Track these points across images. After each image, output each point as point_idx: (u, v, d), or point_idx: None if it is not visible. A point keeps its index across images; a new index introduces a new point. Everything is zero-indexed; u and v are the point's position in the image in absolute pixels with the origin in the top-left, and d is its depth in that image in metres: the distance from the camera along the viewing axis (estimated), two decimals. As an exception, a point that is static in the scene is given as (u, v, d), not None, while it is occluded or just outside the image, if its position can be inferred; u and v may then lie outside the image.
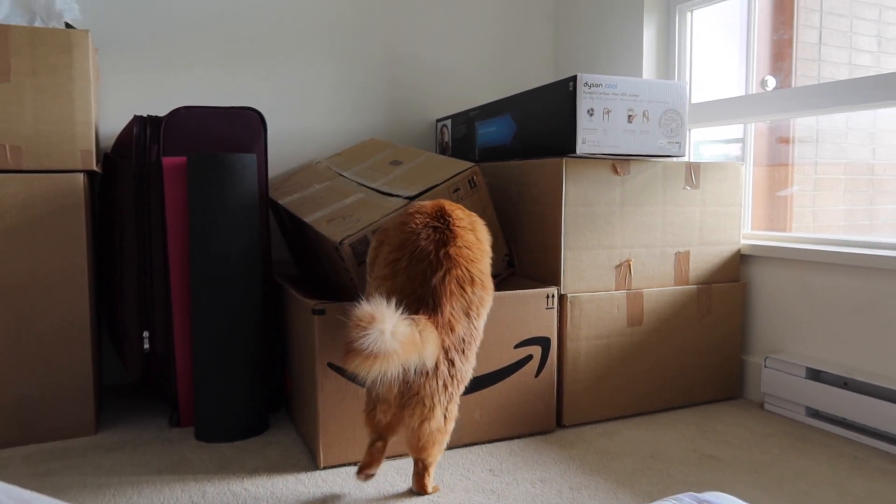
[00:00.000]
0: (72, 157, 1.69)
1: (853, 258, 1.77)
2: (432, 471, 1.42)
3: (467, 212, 1.50)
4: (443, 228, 1.39)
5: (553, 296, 1.75)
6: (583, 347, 1.81)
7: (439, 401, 1.32)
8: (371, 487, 1.45)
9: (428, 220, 1.41)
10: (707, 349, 2.00)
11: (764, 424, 1.84)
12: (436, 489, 1.44)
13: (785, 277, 1.99)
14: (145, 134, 1.80)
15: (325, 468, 1.54)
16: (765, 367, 1.95)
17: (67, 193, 1.70)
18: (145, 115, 1.94)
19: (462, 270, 1.36)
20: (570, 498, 1.41)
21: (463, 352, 1.35)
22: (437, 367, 1.30)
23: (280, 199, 2.05)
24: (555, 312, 1.76)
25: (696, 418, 1.89)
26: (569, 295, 1.79)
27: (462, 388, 1.38)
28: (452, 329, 1.33)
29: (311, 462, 1.58)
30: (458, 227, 1.41)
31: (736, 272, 2.05)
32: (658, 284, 1.92)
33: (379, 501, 1.39)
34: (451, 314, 1.34)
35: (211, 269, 1.68)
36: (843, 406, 1.75)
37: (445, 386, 1.33)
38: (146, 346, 1.82)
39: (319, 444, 1.53)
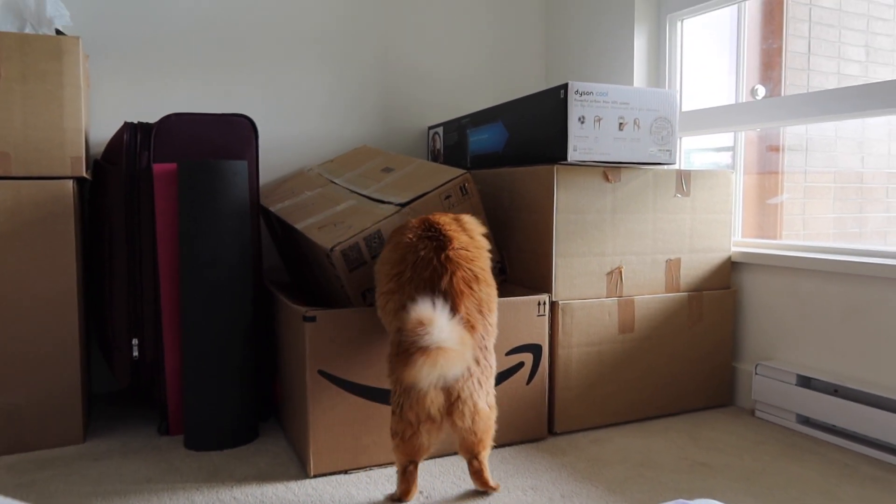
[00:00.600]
0: (61, 163, 1.69)
1: (843, 266, 1.78)
2: (487, 464, 1.45)
3: (453, 215, 1.53)
4: (436, 235, 1.43)
5: (544, 303, 1.75)
6: (574, 354, 1.81)
7: (480, 396, 1.36)
8: (361, 495, 1.44)
9: (420, 231, 1.44)
10: (698, 356, 2.00)
11: (755, 431, 1.84)
12: (497, 485, 1.47)
13: (775, 285, 1.99)
14: (136, 140, 1.80)
15: (315, 476, 1.53)
16: (755, 374, 1.95)
17: (56, 200, 1.69)
18: (136, 121, 1.94)
19: (465, 271, 1.40)
20: (561, 506, 1.40)
21: (486, 348, 1.39)
22: (468, 369, 1.34)
23: (271, 206, 2.05)
24: (546, 319, 1.75)
25: (688, 425, 1.89)
26: (560, 302, 1.79)
27: (493, 380, 1.41)
28: (473, 328, 1.37)
29: (301, 470, 1.57)
30: (449, 230, 1.44)
31: (727, 279, 2.06)
32: (649, 291, 1.92)
33: (369, 510, 1.38)
34: (468, 314, 1.37)
35: (201, 276, 1.67)
36: (833, 413, 1.75)
37: (480, 383, 1.36)
38: (135, 353, 1.80)
39: (310, 453, 1.52)
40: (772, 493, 1.47)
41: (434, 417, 1.33)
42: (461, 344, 1.27)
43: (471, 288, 1.39)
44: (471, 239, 1.47)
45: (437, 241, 1.42)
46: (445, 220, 1.48)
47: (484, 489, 1.45)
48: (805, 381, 1.85)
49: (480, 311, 1.40)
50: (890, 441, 1.63)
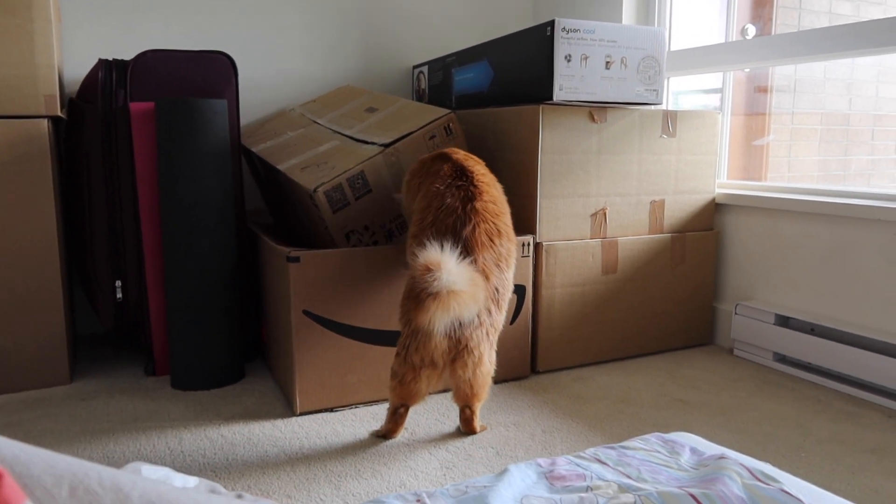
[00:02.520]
0: (34, 101, 1.64)
1: (824, 207, 1.79)
2: (478, 412, 1.47)
3: (485, 166, 1.50)
4: (466, 185, 1.40)
5: (529, 244, 1.75)
6: (557, 295, 1.83)
7: (485, 349, 1.36)
8: (347, 432, 1.47)
9: (449, 180, 1.41)
10: (680, 297, 2.03)
11: (732, 369, 1.89)
12: (483, 428, 1.49)
13: (758, 226, 2.01)
14: (111, 78, 1.75)
15: (301, 414, 1.56)
16: (735, 314, 1.98)
17: (31, 140, 1.65)
18: (111, 58, 1.88)
19: (489, 224, 1.38)
20: (542, 440, 1.44)
21: (497, 302, 1.38)
22: (479, 316, 1.33)
23: (253, 147, 2.02)
24: (530, 261, 1.76)
25: (668, 364, 1.93)
26: (544, 243, 1.79)
27: (497, 336, 1.41)
28: (487, 278, 1.35)
29: (287, 409, 1.60)
30: (481, 182, 1.42)
31: (710, 221, 2.07)
32: (633, 233, 1.93)
33: (355, 445, 1.41)
34: (484, 264, 1.35)
35: (182, 217, 1.65)
36: (809, 351, 1.79)
37: (488, 334, 1.37)
38: (119, 295, 1.80)
39: (295, 391, 1.54)
40: (746, 427, 1.51)
41: (436, 363, 1.33)
42: (473, 285, 1.26)
43: (492, 241, 1.37)
44: (499, 193, 1.46)
45: (467, 190, 1.39)
46: (479, 168, 1.46)
47: (469, 433, 1.48)
48: (783, 321, 1.88)
49: (498, 265, 1.38)
50: (862, 377, 1.68)
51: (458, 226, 1.35)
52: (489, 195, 1.42)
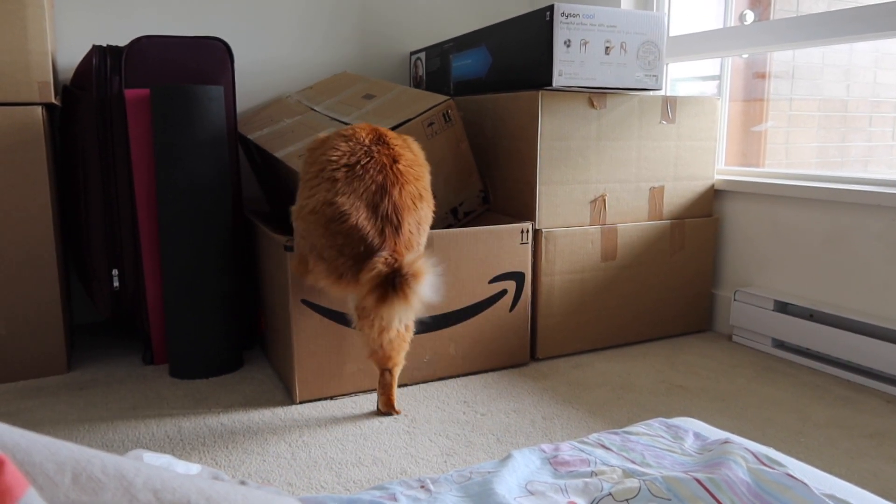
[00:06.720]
0: (28, 88, 1.62)
1: (822, 193, 1.79)
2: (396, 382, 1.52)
3: (398, 134, 1.52)
4: (386, 150, 1.43)
5: (528, 231, 1.75)
6: (557, 282, 1.82)
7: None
8: (347, 420, 1.47)
9: (372, 137, 1.44)
10: (679, 283, 2.03)
11: (731, 356, 1.89)
12: (398, 411, 1.51)
13: (756, 212, 2.00)
14: (105, 65, 1.73)
15: (300, 403, 1.55)
16: (734, 300, 1.98)
17: (25, 127, 1.63)
18: (105, 44, 1.86)
19: (413, 187, 1.42)
20: (542, 427, 1.44)
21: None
22: None
23: (249, 134, 2.00)
24: (529, 247, 1.76)
25: (667, 350, 1.93)
26: (543, 230, 1.79)
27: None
28: (411, 246, 1.41)
29: (286, 397, 1.59)
30: (396, 146, 1.45)
31: (709, 207, 2.07)
32: (632, 219, 1.92)
33: (355, 433, 1.41)
34: (410, 230, 1.40)
35: (179, 205, 1.64)
36: (807, 337, 1.79)
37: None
38: (116, 284, 1.79)
39: (295, 380, 1.54)
40: (745, 413, 1.51)
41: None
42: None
43: (415, 204, 1.42)
44: (415, 156, 1.48)
45: (390, 149, 1.42)
46: (392, 134, 1.48)
47: (388, 410, 1.50)
48: (782, 307, 1.88)
49: (418, 228, 1.43)
50: (860, 363, 1.68)
51: (388, 185, 1.38)
52: (406, 159, 1.44)
